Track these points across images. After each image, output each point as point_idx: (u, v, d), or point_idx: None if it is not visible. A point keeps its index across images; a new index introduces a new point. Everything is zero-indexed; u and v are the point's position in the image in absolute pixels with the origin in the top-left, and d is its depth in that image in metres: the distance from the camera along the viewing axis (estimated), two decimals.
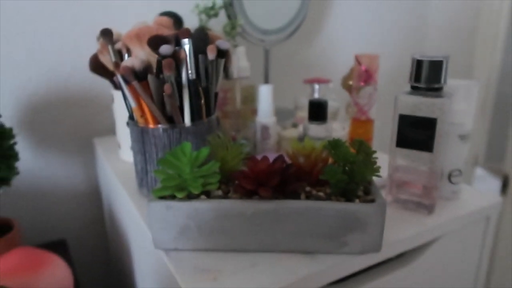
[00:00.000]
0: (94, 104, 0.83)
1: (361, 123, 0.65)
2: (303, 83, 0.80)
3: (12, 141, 0.62)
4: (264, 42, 0.88)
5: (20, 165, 0.66)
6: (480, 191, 0.57)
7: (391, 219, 0.49)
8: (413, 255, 0.50)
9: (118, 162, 0.69)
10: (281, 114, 0.77)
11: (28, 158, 0.79)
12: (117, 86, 0.67)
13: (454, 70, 0.52)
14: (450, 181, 0.53)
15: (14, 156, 0.62)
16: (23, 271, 0.54)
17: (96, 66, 0.65)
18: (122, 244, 0.69)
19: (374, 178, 0.44)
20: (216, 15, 0.79)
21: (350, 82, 0.68)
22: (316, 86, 0.76)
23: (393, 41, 1.18)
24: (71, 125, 0.82)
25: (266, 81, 0.91)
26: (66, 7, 0.76)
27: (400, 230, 0.47)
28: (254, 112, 0.73)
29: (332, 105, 0.73)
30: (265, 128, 0.67)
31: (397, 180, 0.51)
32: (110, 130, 0.85)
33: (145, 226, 0.49)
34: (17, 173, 0.63)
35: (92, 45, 0.72)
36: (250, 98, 0.78)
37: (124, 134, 0.69)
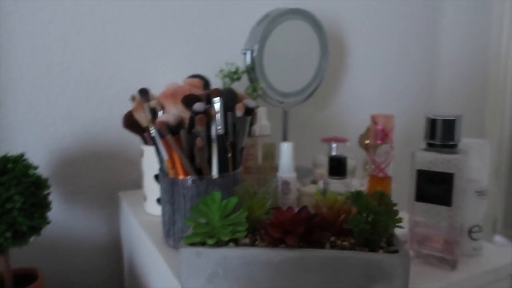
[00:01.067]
0: (120, 160, 0.87)
1: (379, 180, 0.67)
2: (321, 142, 0.83)
3: (46, 191, 0.65)
4: (283, 104, 0.93)
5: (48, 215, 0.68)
6: (502, 249, 0.57)
7: (414, 273, 0.49)
8: None
9: (143, 214, 0.72)
10: (300, 172, 0.80)
11: (55, 209, 0.82)
12: (147, 142, 0.72)
13: (464, 129, 0.55)
14: (470, 237, 0.54)
15: (47, 206, 0.65)
16: None
17: (129, 123, 0.70)
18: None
19: (396, 233, 0.46)
20: (239, 79, 0.85)
21: (367, 141, 0.72)
22: (334, 145, 0.79)
23: (405, 101, 1.24)
24: (98, 179, 0.86)
25: (285, 140, 0.95)
26: (102, 70, 0.83)
27: (424, 284, 0.48)
28: (273, 168, 0.76)
29: (349, 163, 0.76)
30: (286, 183, 0.69)
31: (418, 235, 0.53)
32: (134, 185, 0.88)
33: (172, 276, 0.50)
34: (48, 222, 0.65)
35: (123, 105, 0.78)
36: (270, 155, 0.81)
37: (150, 187, 0.72)
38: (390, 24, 1.18)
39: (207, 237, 0.43)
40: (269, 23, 0.87)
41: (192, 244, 0.44)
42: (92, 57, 0.82)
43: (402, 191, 0.66)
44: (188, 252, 0.43)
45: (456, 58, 1.30)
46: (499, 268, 0.53)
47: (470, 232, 0.54)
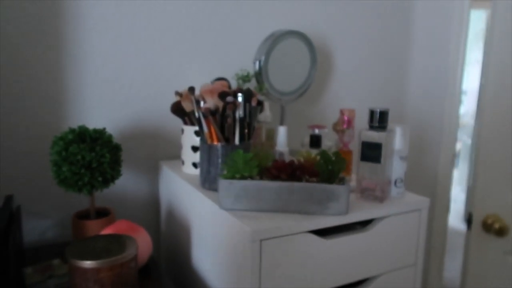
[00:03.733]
0: (161, 138, 1.19)
1: (345, 153, 0.99)
2: (307, 128, 1.16)
3: (120, 154, 0.97)
4: (281, 101, 1.25)
5: None
6: (416, 196, 0.90)
7: (359, 204, 0.82)
8: (371, 225, 0.82)
9: (182, 173, 1.04)
10: (292, 152, 1.12)
11: None
12: (186, 123, 1.04)
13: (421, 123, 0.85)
14: (395, 185, 0.87)
15: (120, 163, 0.97)
16: (128, 231, 0.87)
17: (176, 109, 1.02)
18: (182, 228, 1.01)
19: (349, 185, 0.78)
20: (249, 81, 1.17)
21: (338, 128, 1.04)
22: (316, 130, 1.12)
23: (379, 101, 1.56)
24: (145, 152, 1.18)
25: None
26: (150, 72, 1.15)
27: (361, 208, 0.80)
28: (273, 145, 1.08)
29: (327, 144, 1.08)
30: (281, 154, 1.02)
31: (361, 181, 0.85)
32: (171, 157, 1.20)
33: (211, 203, 0.81)
34: (121, 174, 0.97)
35: (164, 98, 1.12)
36: (271, 137, 1.14)
37: (187, 154, 1.03)
38: (367, 39, 1.50)
39: (235, 173, 0.76)
40: (274, 40, 1.18)
41: (226, 178, 0.77)
42: (144, 63, 1.14)
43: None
44: (224, 182, 0.76)
45: (423, 66, 1.62)
46: (409, 202, 0.85)
47: (395, 182, 0.87)
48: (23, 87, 1.01)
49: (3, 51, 0.98)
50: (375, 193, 0.84)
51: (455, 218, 2.54)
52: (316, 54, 1.26)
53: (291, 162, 0.77)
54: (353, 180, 0.93)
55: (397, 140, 0.86)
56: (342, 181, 0.77)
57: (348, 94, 1.50)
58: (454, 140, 1.61)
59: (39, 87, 1.03)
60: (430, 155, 1.63)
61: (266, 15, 1.29)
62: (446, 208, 1.69)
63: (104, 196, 1.11)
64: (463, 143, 3.82)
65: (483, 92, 1.38)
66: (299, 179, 0.76)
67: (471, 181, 1.47)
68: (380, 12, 1.51)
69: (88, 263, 0.69)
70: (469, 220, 1.47)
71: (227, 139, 0.87)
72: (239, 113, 0.86)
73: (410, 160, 1.29)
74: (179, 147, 1.20)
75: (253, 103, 0.87)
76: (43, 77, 1.03)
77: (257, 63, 1.19)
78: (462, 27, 1.53)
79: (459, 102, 1.63)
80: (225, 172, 0.78)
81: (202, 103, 0.89)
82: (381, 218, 0.83)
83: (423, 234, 0.89)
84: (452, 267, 2.06)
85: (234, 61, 1.26)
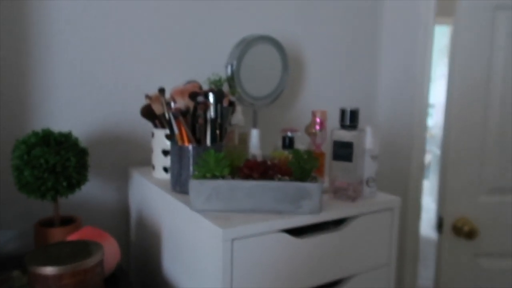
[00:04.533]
0: (131, 144, 1.16)
1: (318, 154, 0.99)
2: (280, 133, 1.15)
3: (87, 158, 0.94)
4: (254, 106, 1.25)
5: None
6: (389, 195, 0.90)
7: (331, 203, 0.81)
8: (344, 225, 0.82)
9: (152, 178, 1.01)
10: (265, 157, 1.11)
11: None
12: (157, 126, 1.01)
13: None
14: (368, 185, 0.87)
15: (87, 168, 0.94)
16: (94, 238, 0.83)
17: (146, 112, 1.00)
18: (153, 235, 0.97)
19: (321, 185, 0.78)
20: (221, 85, 1.16)
21: (311, 130, 1.04)
22: (289, 133, 1.11)
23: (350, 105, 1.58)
24: (113, 158, 1.14)
25: None
26: (120, 76, 1.13)
27: (334, 207, 0.80)
28: (245, 149, 1.07)
29: (300, 147, 1.08)
30: (254, 157, 1.01)
31: (334, 181, 0.85)
32: (141, 163, 1.17)
33: (182, 205, 0.79)
34: (88, 180, 0.94)
35: (134, 103, 1.09)
36: (244, 141, 1.13)
37: (158, 159, 1.01)
38: (338, 45, 1.53)
39: (206, 173, 0.74)
40: (245, 45, 1.19)
41: (197, 178, 0.75)
42: (113, 66, 1.12)
43: None
44: (195, 182, 0.74)
45: (391, 72, 1.66)
46: (381, 202, 0.86)
47: (367, 181, 0.87)
48: None
49: None
50: (348, 193, 0.84)
51: (427, 228, 2.60)
52: (287, 60, 1.27)
53: (264, 161, 0.76)
54: (326, 182, 0.93)
55: (368, 139, 0.86)
56: (314, 180, 0.76)
57: (320, 100, 1.51)
58: (423, 148, 1.66)
59: (1, 90, 0.98)
60: (400, 161, 1.66)
61: (238, 19, 1.30)
62: (418, 214, 1.71)
63: (70, 203, 1.07)
64: (433, 154, 3.92)
65: (450, 101, 1.43)
66: (271, 178, 0.75)
67: (441, 187, 1.50)
68: (350, 19, 1.55)
69: (49, 270, 0.65)
70: (440, 224, 1.49)
71: (198, 140, 0.85)
72: (211, 113, 0.85)
73: (381, 166, 1.30)
74: (150, 152, 1.17)
75: (225, 103, 0.86)
76: (5, 81, 0.98)
77: (229, 67, 1.18)
78: (427, 41, 1.59)
79: (426, 114, 1.68)
80: (196, 172, 0.76)
81: (172, 104, 0.88)
82: (353, 217, 0.83)
83: (395, 233, 0.89)
84: (425, 276, 2.09)
85: (206, 65, 1.25)
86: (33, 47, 1.01)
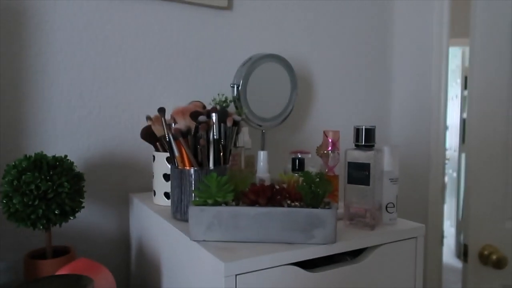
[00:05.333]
0: (131, 169, 1.10)
1: (331, 178, 0.91)
2: (290, 155, 1.08)
3: (83, 183, 0.87)
4: (262, 127, 1.18)
5: None
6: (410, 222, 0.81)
7: (345, 231, 0.73)
8: (362, 256, 0.73)
9: (153, 205, 0.94)
10: (274, 180, 1.03)
11: None
12: (158, 149, 0.95)
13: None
14: (387, 211, 0.79)
15: (83, 194, 0.87)
16: (87, 271, 0.76)
17: (146, 134, 0.94)
18: (153, 267, 0.89)
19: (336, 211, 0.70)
20: (227, 106, 1.10)
21: (322, 151, 0.97)
22: (299, 155, 1.04)
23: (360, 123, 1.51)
24: (113, 183, 1.08)
25: None
26: (121, 98, 1.08)
27: (350, 236, 0.71)
28: (252, 173, 1.00)
29: (311, 169, 1.00)
30: (262, 181, 0.93)
31: (349, 207, 0.77)
32: (141, 189, 1.10)
33: (182, 235, 0.71)
34: (83, 207, 0.87)
35: (136, 126, 1.04)
36: (251, 164, 1.06)
37: (159, 184, 0.94)
38: (348, 64, 1.47)
39: (207, 199, 0.67)
40: (251, 64, 1.13)
41: (197, 204, 0.67)
42: (114, 88, 1.07)
43: None
44: (195, 209, 0.67)
45: (404, 93, 1.59)
46: (403, 230, 0.77)
47: (386, 207, 0.79)
48: None
49: None
50: (365, 220, 0.75)
51: (446, 253, 2.45)
52: (296, 78, 1.21)
53: (271, 186, 0.69)
54: (340, 207, 0.85)
55: (385, 160, 0.79)
56: (328, 205, 0.68)
57: (330, 121, 1.44)
58: (442, 172, 1.57)
59: None
60: (417, 185, 1.57)
61: (245, 38, 1.25)
62: (439, 241, 1.60)
63: (64, 233, 1.00)
64: (449, 176, 3.79)
65: (471, 124, 1.35)
66: (279, 204, 0.68)
67: (463, 213, 1.41)
68: (360, 38, 1.50)
69: None
70: (465, 252, 1.38)
71: (200, 163, 0.78)
72: (214, 134, 0.78)
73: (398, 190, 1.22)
74: (151, 177, 1.10)
75: (229, 123, 0.79)
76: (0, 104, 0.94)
77: (235, 87, 1.13)
78: (442, 62, 1.54)
79: (444, 137, 1.60)
80: (196, 198, 0.69)
81: (173, 125, 0.82)
82: (373, 248, 0.74)
83: (420, 264, 0.80)
84: None
85: (211, 85, 1.20)
86: (29, 68, 0.97)
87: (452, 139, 3.51)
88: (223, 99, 1.09)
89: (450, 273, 2.89)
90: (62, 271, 0.75)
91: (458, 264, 3.14)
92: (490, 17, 1.30)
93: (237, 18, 1.23)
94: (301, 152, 1.05)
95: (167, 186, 0.92)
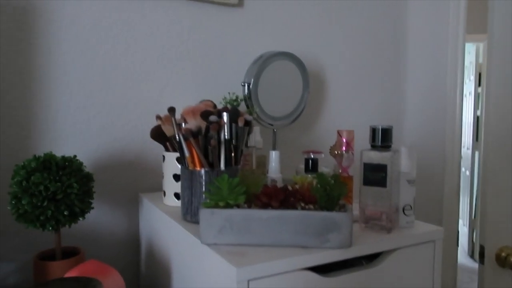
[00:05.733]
0: (141, 169, 1.08)
1: (344, 179, 0.89)
2: (302, 155, 1.06)
3: (92, 184, 0.86)
4: (273, 126, 1.16)
5: None
6: (429, 225, 0.79)
7: (361, 234, 0.71)
8: (379, 260, 0.71)
9: (163, 205, 0.92)
10: (286, 181, 1.01)
11: None
12: (168, 149, 0.94)
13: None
14: (404, 213, 0.76)
15: (92, 195, 0.86)
16: (96, 273, 0.75)
17: (156, 134, 0.92)
18: (163, 269, 0.88)
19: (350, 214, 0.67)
20: (238, 105, 1.08)
21: (336, 151, 0.94)
22: (311, 155, 1.02)
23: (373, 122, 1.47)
24: (122, 184, 1.06)
25: None
26: (130, 97, 1.06)
27: (366, 240, 0.69)
28: (264, 174, 0.98)
29: (324, 170, 0.98)
30: (274, 181, 0.91)
31: (364, 209, 0.74)
32: (152, 189, 1.09)
33: (193, 237, 0.70)
34: (92, 207, 0.86)
35: (145, 125, 1.03)
36: (262, 164, 1.04)
37: (169, 184, 0.93)
38: (361, 62, 1.44)
39: (218, 201, 0.65)
40: (263, 63, 1.11)
41: (208, 207, 0.66)
42: (123, 88, 1.06)
43: None
44: (206, 211, 0.65)
45: (418, 91, 1.56)
46: (421, 233, 0.74)
47: (403, 209, 0.76)
48: None
49: None
50: (381, 223, 0.73)
51: (459, 253, 2.41)
52: (308, 76, 1.19)
53: (284, 187, 0.67)
54: (354, 208, 0.83)
55: (403, 161, 0.76)
56: (343, 208, 0.66)
57: (343, 120, 1.41)
58: (458, 172, 1.53)
59: (3, 113, 0.93)
60: (432, 185, 1.53)
61: (255, 36, 1.23)
62: (455, 243, 1.56)
63: (73, 234, 0.99)
64: (461, 174, 3.72)
65: (487, 122, 1.31)
66: (293, 207, 0.65)
67: (476, 212, 1.37)
68: (373, 34, 1.46)
69: None
70: (481, 253, 1.35)
71: (211, 164, 0.77)
72: (225, 134, 0.76)
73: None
74: (161, 177, 1.09)
75: (240, 123, 0.77)
76: (9, 103, 0.93)
77: (246, 86, 1.11)
78: (458, 58, 1.50)
79: (460, 135, 1.57)
80: (207, 200, 0.67)
81: (183, 125, 0.80)
82: (390, 252, 0.71)
83: (438, 268, 0.77)
84: None
85: (221, 84, 1.18)
86: (38, 68, 0.96)
87: (465, 137, 3.45)
88: (234, 97, 1.07)
89: (463, 272, 2.84)
90: (71, 273, 0.74)
91: (471, 263, 3.09)
92: (509, 13, 1.26)
93: (248, 15, 1.21)
94: (313, 152, 1.03)
95: (177, 187, 0.90)
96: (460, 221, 3.56)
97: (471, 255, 3.23)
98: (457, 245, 1.59)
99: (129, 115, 1.07)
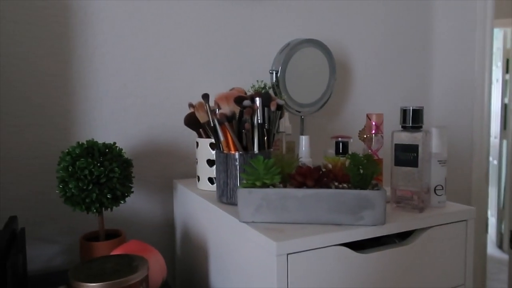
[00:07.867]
0: (175, 156, 1.12)
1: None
2: (330, 140, 1.07)
3: (131, 169, 0.91)
4: (301, 113, 1.18)
5: None
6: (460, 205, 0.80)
7: (394, 214, 0.72)
8: (411, 238, 0.72)
9: (197, 190, 0.96)
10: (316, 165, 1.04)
11: None
12: (201, 136, 0.97)
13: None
14: (435, 193, 0.77)
15: (131, 179, 0.90)
16: (140, 252, 0.79)
17: (190, 121, 0.96)
18: (199, 249, 0.92)
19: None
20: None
21: (365, 135, 0.96)
22: (340, 140, 1.03)
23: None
24: (157, 171, 1.11)
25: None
26: (163, 87, 1.10)
27: (399, 218, 0.71)
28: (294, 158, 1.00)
29: None
30: (304, 165, 0.93)
31: (395, 189, 0.76)
32: (185, 175, 1.13)
33: (230, 217, 0.73)
34: (132, 191, 0.90)
35: (178, 114, 1.07)
36: (291, 150, 1.06)
37: (203, 169, 0.96)
38: (387, 48, 1.44)
39: (255, 181, 0.68)
40: (290, 50, 1.13)
41: (245, 187, 0.69)
42: (156, 78, 1.10)
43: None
44: (243, 191, 0.68)
45: (446, 76, 1.55)
46: (453, 212, 0.75)
47: (435, 189, 0.77)
48: (29, 104, 0.97)
49: (12, 67, 0.94)
50: (413, 202, 0.74)
51: (488, 244, 2.38)
52: (334, 63, 1.20)
53: (318, 168, 0.69)
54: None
55: (434, 142, 0.77)
56: (376, 187, 0.68)
57: (369, 106, 1.42)
58: (487, 158, 1.52)
59: (47, 103, 0.98)
60: (460, 171, 1.52)
61: (282, 24, 1.25)
62: (484, 228, 1.55)
63: (114, 217, 1.04)
64: (489, 163, 3.64)
65: None
66: (327, 186, 0.68)
67: (508, 200, 1.36)
68: (399, 19, 1.46)
69: (92, 286, 0.61)
70: (510, 239, 1.34)
71: (245, 147, 0.79)
72: (258, 118, 0.79)
73: None
74: (194, 164, 1.13)
75: (272, 107, 0.80)
76: (51, 94, 0.99)
77: (274, 73, 1.13)
78: (486, 44, 1.47)
79: (489, 123, 1.55)
80: (244, 181, 0.70)
81: (217, 111, 0.83)
82: (422, 230, 0.73)
83: (470, 248, 0.79)
84: None
85: (249, 73, 1.21)
86: (77, 60, 1.01)
87: (492, 125, 3.37)
88: (262, 85, 1.10)
89: (491, 263, 2.79)
90: (116, 252, 0.79)
91: (499, 254, 3.04)
92: None
93: (274, 3, 1.23)
94: (341, 137, 1.05)
95: (211, 172, 0.94)
96: (488, 212, 3.50)
97: (500, 246, 3.17)
98: (487, 232, 1.57)
99: (162, 104, 1.11)
